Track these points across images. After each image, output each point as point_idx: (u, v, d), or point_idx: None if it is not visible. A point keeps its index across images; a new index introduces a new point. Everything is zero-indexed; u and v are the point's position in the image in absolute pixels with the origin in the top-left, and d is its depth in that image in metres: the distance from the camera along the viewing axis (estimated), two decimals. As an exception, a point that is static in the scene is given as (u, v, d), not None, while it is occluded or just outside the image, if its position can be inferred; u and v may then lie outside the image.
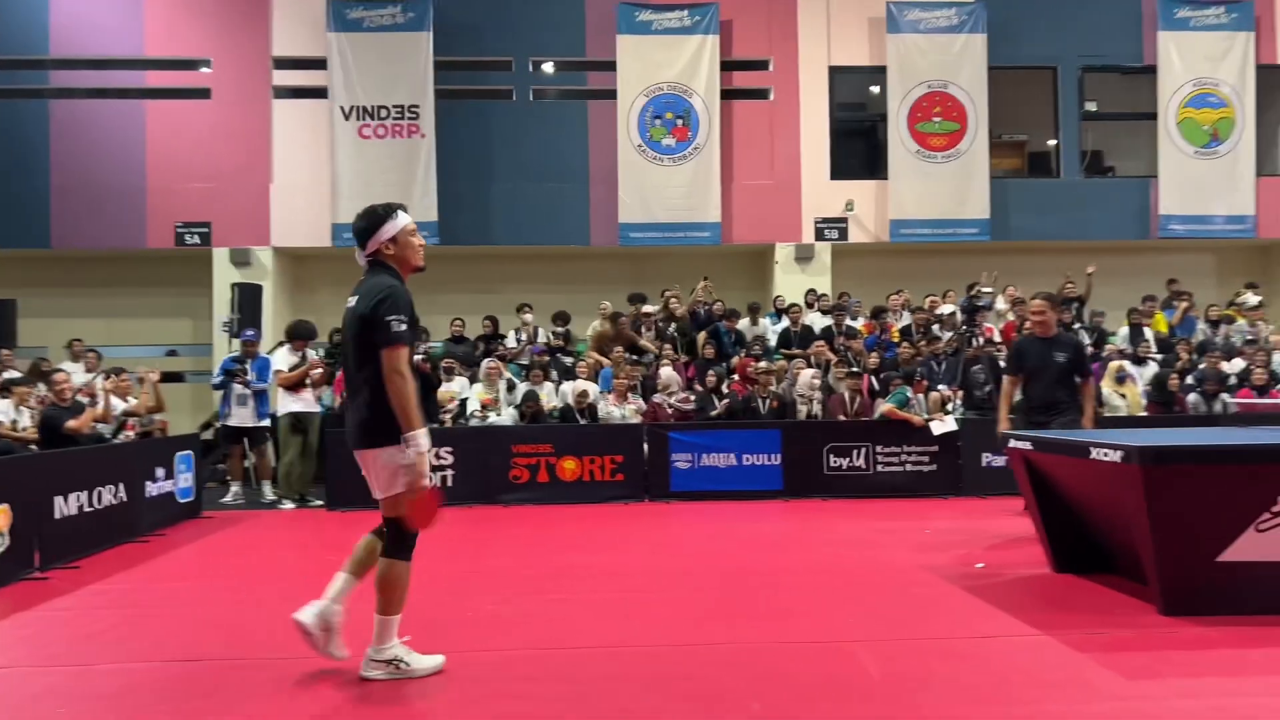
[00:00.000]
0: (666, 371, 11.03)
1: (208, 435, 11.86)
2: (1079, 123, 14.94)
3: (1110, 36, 14.74)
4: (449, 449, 9.60)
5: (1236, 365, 11.48)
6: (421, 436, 3.72)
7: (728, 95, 14.52)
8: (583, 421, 10.20)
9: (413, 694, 3.77)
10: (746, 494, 9.64)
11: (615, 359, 11.06)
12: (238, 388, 10.13)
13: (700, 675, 3.96)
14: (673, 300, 12.53)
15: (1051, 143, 15.28)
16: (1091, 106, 15.08)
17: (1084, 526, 5.72)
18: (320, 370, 10.00)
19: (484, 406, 10.66)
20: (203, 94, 14.34)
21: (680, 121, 14.25)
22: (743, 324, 12.71)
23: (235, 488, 10.32)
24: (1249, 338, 12.45)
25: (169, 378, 12.39)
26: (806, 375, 10.69)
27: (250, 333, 10.82)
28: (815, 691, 3.73)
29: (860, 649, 4.26)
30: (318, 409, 10.11)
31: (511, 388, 10.97)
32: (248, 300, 12.25)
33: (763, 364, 10.90)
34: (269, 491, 10.11)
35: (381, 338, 3.71)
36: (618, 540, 7.52)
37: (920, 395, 10.32)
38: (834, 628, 4.66)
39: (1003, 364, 10.13)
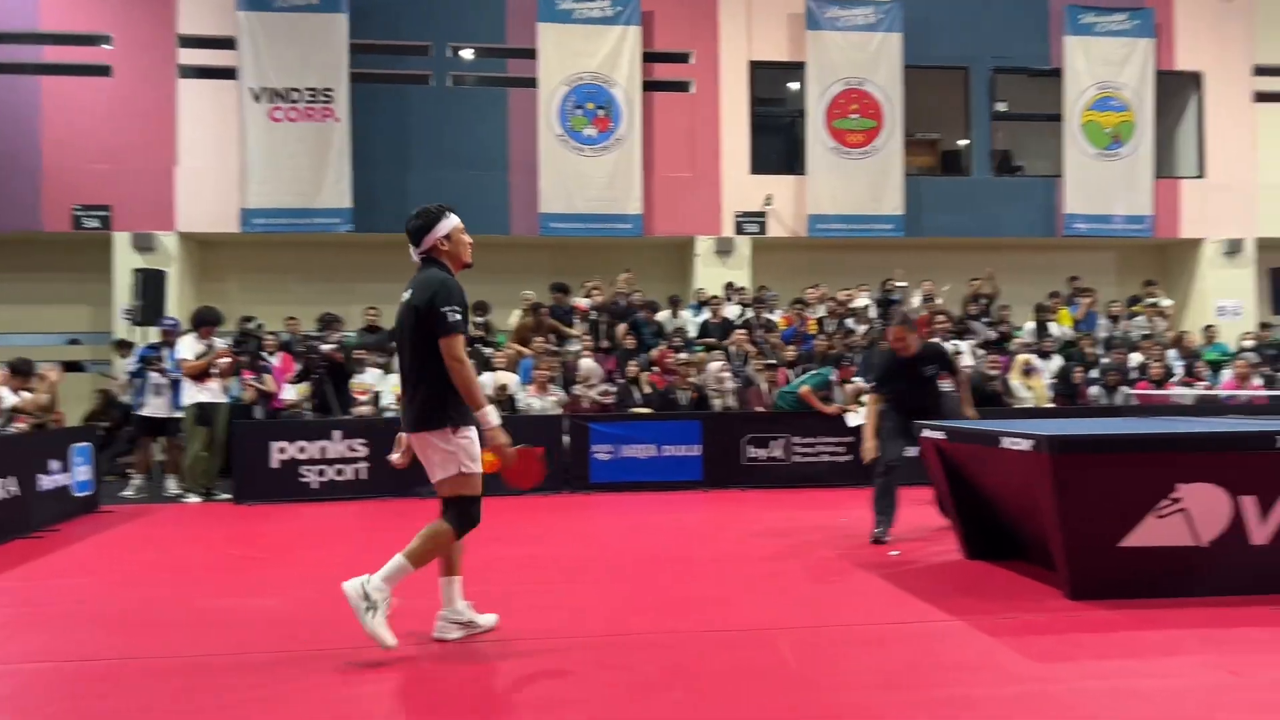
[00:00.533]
0: (587, 363, 10.97)
1: (106, 424, 11.37)
2: (989, 123, 15.35)
3: (1020, 39, 15.17)
4: (363, 441, 9.38)
5: (1135, 359, 11.94)
6: (491, 413, 4.00)
7: (649, 87, 14.51)
8: (502, 413, 10.06)
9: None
10: (667, 485, 9.66)
11: (536, 350, 10.95)
12: (154, 377, 9.77)
13: (622, 665, 3.93)
14: (594, 291, 12.48)
15: (963, 142, 15.66)
16: (1001, 107, 15.51)
17: (995, 514, 5.86)
18: (228, 360, 9.66)
19: (398, 399, 10.44)
20: (102, 71, 13.72)
21: (602, 112, 14.18)
22: (663, 316, 12.72)
23: (137, 481, 9.93)
24: (1146, 333, 12.97)
25: (69, 366, 11.88)
26: (715, 367, 10.76)
27: (170, 320, 10.45)
28: (736, 680, 3.72)
29: (780, 637, 4.28)
30: (225, 399, 9.76)
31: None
32: (151, 287, 11.77)
33: (682, 356, 10.93)
34: (173, 485, 9.75)
35: (440, 328, 3.95)
36: (539, 532, 7.44)
37: (839, 385, 10.46)
38: (754, 616, 4.68)
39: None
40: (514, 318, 12.09)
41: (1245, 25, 15.34)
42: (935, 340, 7.10)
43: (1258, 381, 11.33)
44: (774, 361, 11.18)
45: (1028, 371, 11.22)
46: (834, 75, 14.54)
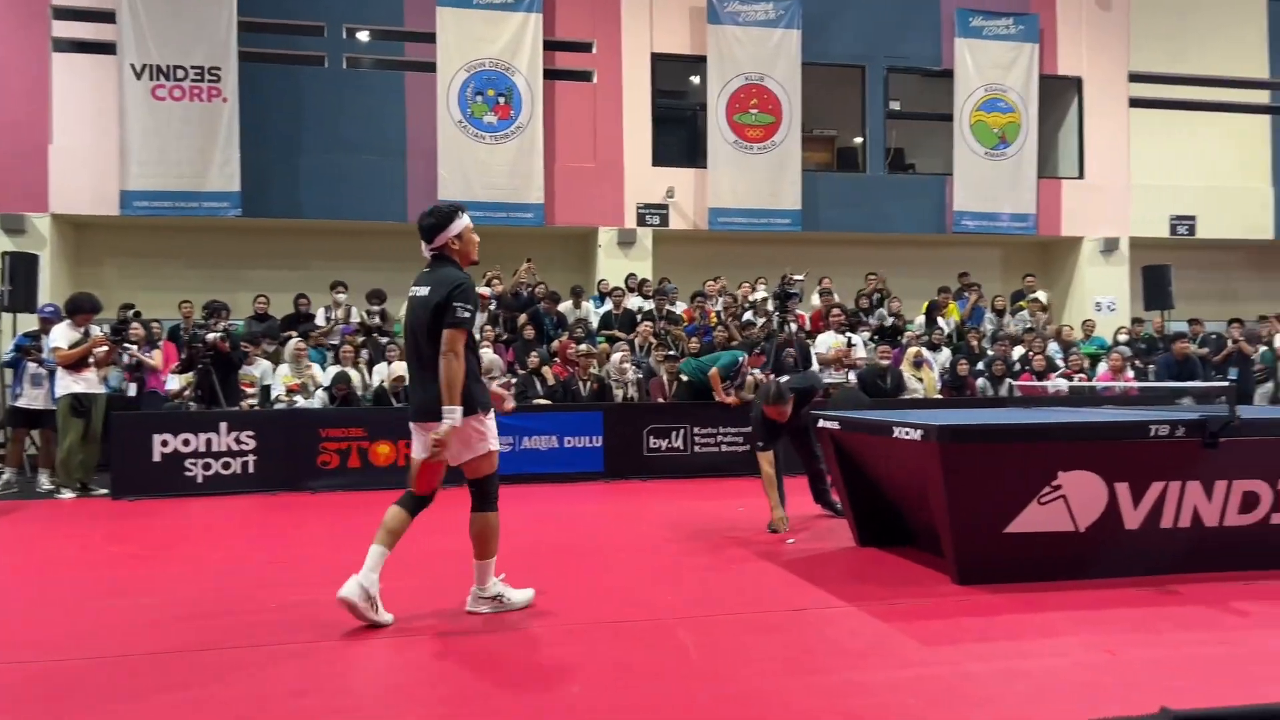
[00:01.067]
0: (487, 354, 10.83)
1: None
2: (884, 121, 15.73)
3: (913, 40, 15.58)
4: (250, 434, 9.07)
5: (1018, 352, 12.42)
6: (456, 413, 4.22)
7: (551, 75, 14.39)
8: (400, 404, 9.87)
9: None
10: (568, 476, 9.62)
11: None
12: (31, 366, 9.24)
13: (519, 658, 3.89)
14: (494, 281, 12.33)
15: (858, 140, 16.01)
16: (895, 106, 15.91)
17: (887, 502, 6.02)
18: (106, 348, 9.19)
19: (290, 391, 10.14)
20: (-33, 42, 12.89)
21: (503, 99, 14.00)
22: (565, 306, 12.67)
23: (7, 475, 9.40)
24: (1029, 326, 13.51)
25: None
26: (616, 358, 10.77)
27: (49, 307, 9.89)
28: (635, 670, 3.72)
29: (679, 626, 4.30)
30: (102, 390, 9.29)
31: (307, 367, 10.49)
32: (21, 271, 11.10)
33: (583, 347, 10.89)
34: (45, 481, 9.25)
35: (449, 320, 4.22)
36: (434, 525, 7.30)
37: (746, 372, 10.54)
38: (653, 606, 4.69)
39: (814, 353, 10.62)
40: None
41: (1121, 34, 16.09)
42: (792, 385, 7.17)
43: (1130, 374, 11.92)
44: (676, 353, 11.24)
45: (919, 364, 11.55)
46: (735, 70, 14.68)
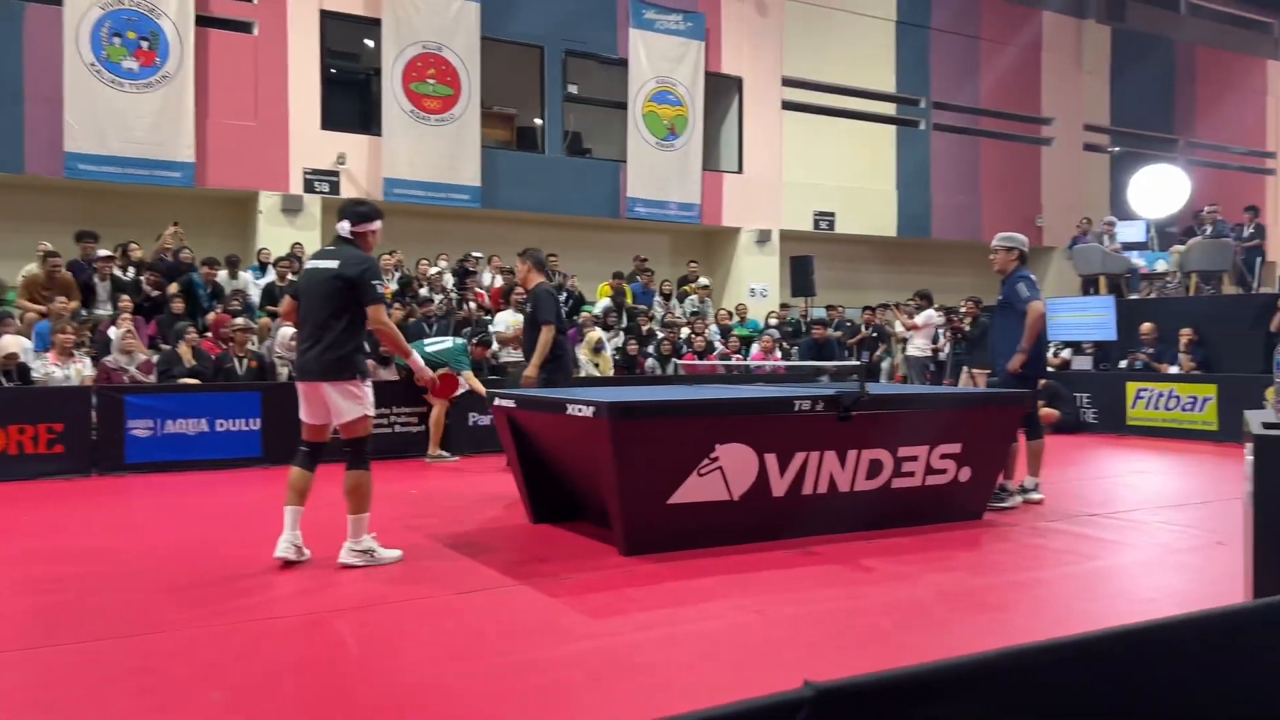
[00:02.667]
0: (117, 331, 9.64)
1: None
2: (562, 103, 15.93)
3: (591, 26, 15.89)
4: None
5: (684, 333, 13.14)
6: (417, 356, 5.39)
7: (205, 22, 13.07)
8: (10, 384, 8.53)
9: None
10: (220, 463, 8.83)
11: (55, 311, 9.41)
12: None
13: (155, 668, 3.44)
14: (132, 246, 11.02)
15: (538, 120, 16.10)
16: (573, 90, 16.17)
17: (560, 479, 6.06)
18: None
19: None
20: None
21: (146, 44, 12.51)
22: (220, 277, 11.61)
23: None
24: (694, 310, 14.33)
25: None
26: (285, 333, 10.06)
27: None
28: (288, 669, 3.43)
29: (337, 619, 4.04)
30: None
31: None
32: None
33: (240, 321, 10.03)
34: None
35: (368, 298, 4.88)
36: (58, 522, 6.40)
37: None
38: (310, 600, 4.37)
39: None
40: (28, 270, 10.30)
41: (776, 40, 17.46)
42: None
43: (779, 354, 13.02)
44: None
45: (597, 349, 11.82)
46: (412, 36, 14.16)
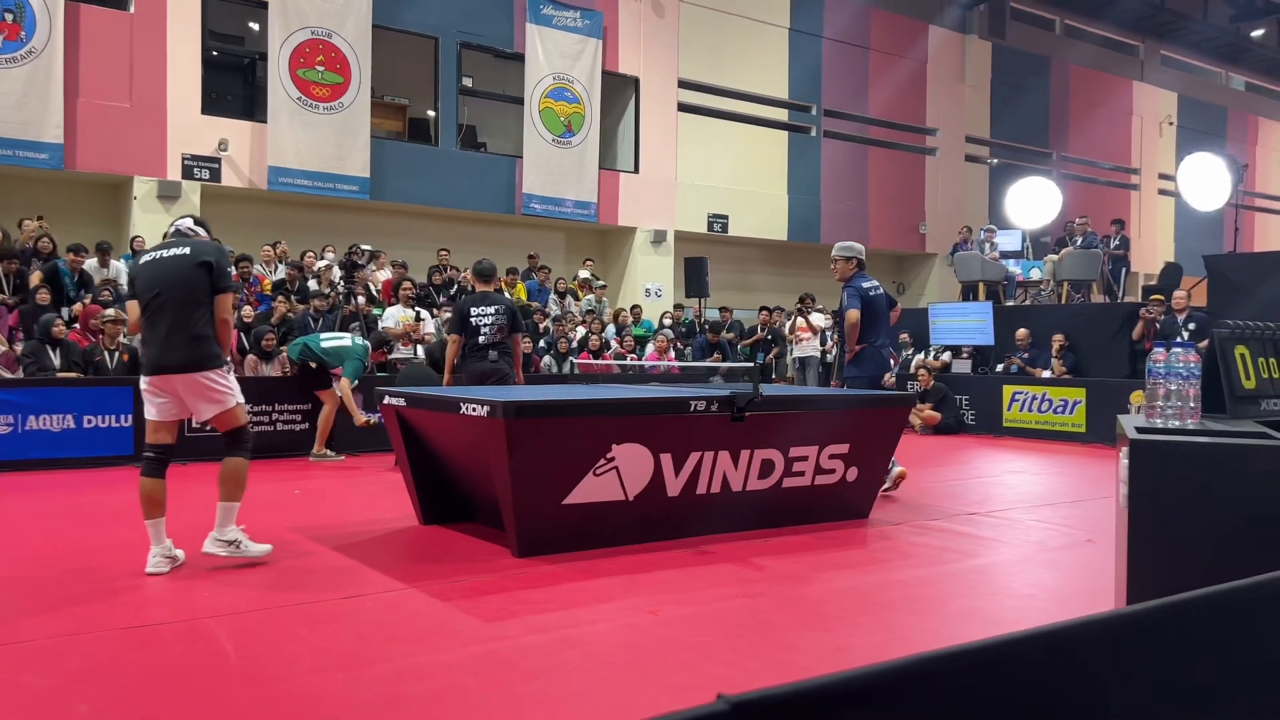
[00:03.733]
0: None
1: None
2: (457, 96, 15.68)
3: (487, 19, 15.69)
4: None
5: (580, 332, 13.10)
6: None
7: (76, -3, 12.39)
8: None
9: None
10: (89, 461, 8.36)
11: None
12: None
13: (12, 681, 3.20)
14: (-7, 230, 10.36)
15: (431, 112, 15.81)
16: (468, 82, 15.93)
17: (451, 479, 5.94)
18: None
19: None
20: None
21: (10, 16, 11.78)
22: (89, 265, 11.00)
23: None
24: (589, 309, 14.30)
25: None
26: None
27: None
28: (161, 679, 3.25)
29: (217, 625, 3.85)
30: None
31: None
32: None
33: (111, 311, 9.52)
34: None
35: (224, 284, 4.79)
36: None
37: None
38: (184, 605, 4.16)
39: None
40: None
41: (672, 41, 17.58)
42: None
43: (672, 354, 13.10)
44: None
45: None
46: (300, 22, 13.71)
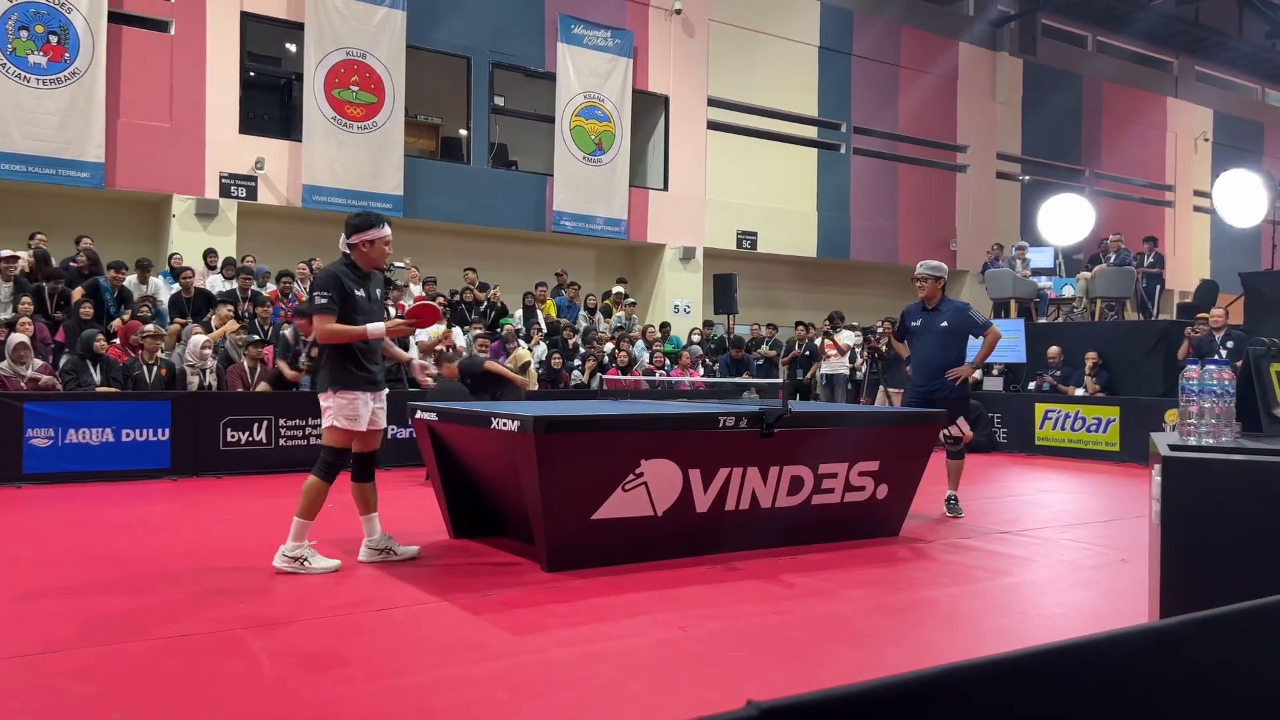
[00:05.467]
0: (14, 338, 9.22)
1: None
2: (489, 115, 15.85)
3: (519, 39, 15.86)
4: None
5: (608, 348, 13.13)
6: (372, 328, 5.10)
7: (119, 19, 12.67)
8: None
9: None
10: (127, 474, 8.51)
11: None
12: None
13: (52, 687, 3.27)
14: (41, 248, 10.58)
15: (463, 131, 15.98)
16: (500, 101, 16.10)
17: (481, 493, 5.99)
18: None
19: None
20: None
21: (55, 39, 12.07)
22: (129, 281, 11.21)
23: None
24: (618, 325, 14.35)
25: None
26: (196, 341, 9.77)
27: None
28: (198, 688, 3.30)
29: (251, 636, 3.91)
30: None
31: None
32: None
33: (150, 327, 9.70)
34: None
35: (310, 309, 5.45)
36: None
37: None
38: (222, 616, 4.22)
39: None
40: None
41: (702, 60, 17.67)
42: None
43: (701, 370, 13.11)
44: (260, 338, 10.40)
45: (524, 368, 11.73)
46: (335, 43, 13.94)
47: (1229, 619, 1.16)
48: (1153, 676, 1.05)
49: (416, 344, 11.03)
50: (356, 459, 5.30)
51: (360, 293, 5.11)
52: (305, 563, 5.05)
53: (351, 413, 5.11)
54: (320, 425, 5.28)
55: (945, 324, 7.14)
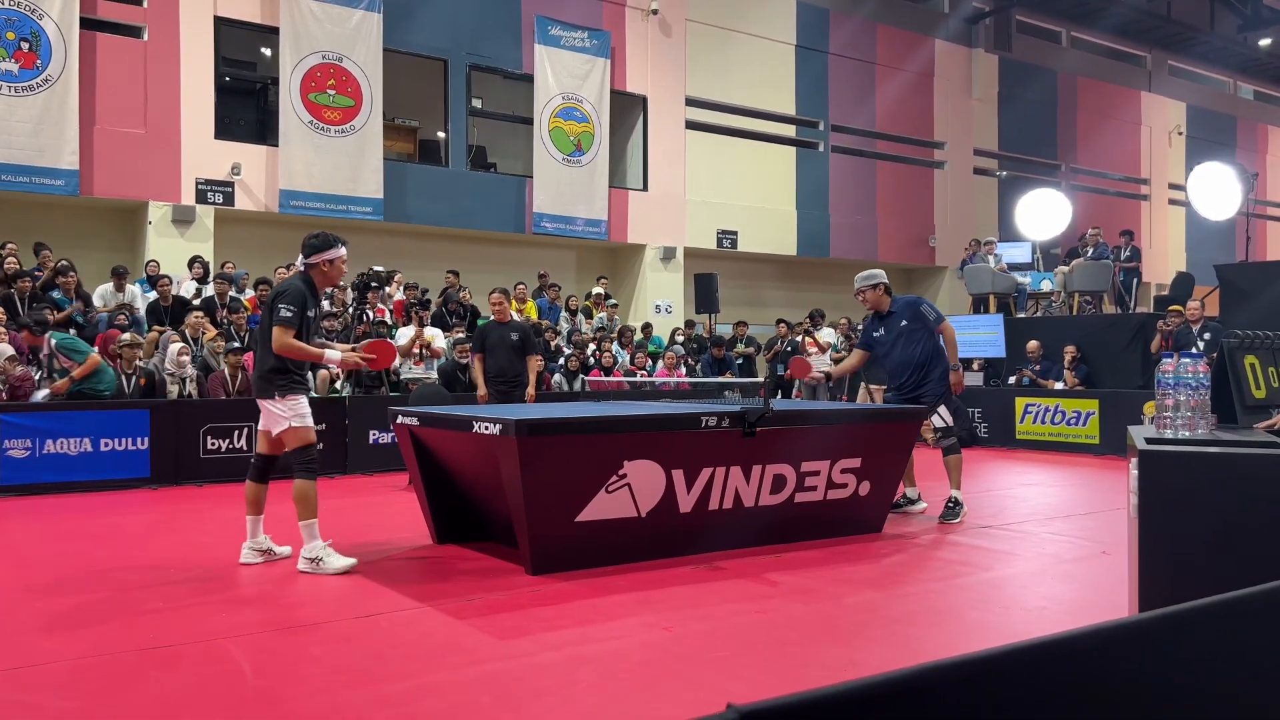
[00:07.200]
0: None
1: None
2: (466, 117, 15.80)
3: (496, 41, 15.82)
4: None
5: (590, 349, 13.12)
6: (329, 353, 5.34)
7: (91, 25, 12.57)
8: None
9: None
10: (107, 484, 8.44)
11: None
12: None
13: (34, 702, 3.24)
14: (9, 260, 10.47)
15: (441, 134, 15.93)
16: (478, 103, 16.06)
17: (465, 498, 5.97)
18: None
19: None
20: None
21: (26, 45, 11.95)
22: (105, 289, 11.12)
23: None
24: (600, 326, 14.34)
25: None
26: (175, 349, 9.69)
27: None
28: (179, 698, 3.28)
29: (233, 645, 3.88)
30: None
31: None
32: None
33: (127, 336, 9.61)
34: None
35: (272, 319, 5.19)
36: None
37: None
38: (203, 625, 4.19)
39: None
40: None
41: (679, 60, 17.68)
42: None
43: (683, 370, 13.12)
44: (240, 345, 10.32)
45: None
46: (311, 46, 13.87)
47: (1201, 613, 1.17)
48: (1129, 671, 1.06)
49: (398, 348, 10.99)
50: (262, 459, 5.44)
51: (312, 313, 5.30)
52: (320, 563, 5.16)
53: (303, 410, 5.27)
54: (284, 426, 5.28)
55: (905, 323, 7.14)
